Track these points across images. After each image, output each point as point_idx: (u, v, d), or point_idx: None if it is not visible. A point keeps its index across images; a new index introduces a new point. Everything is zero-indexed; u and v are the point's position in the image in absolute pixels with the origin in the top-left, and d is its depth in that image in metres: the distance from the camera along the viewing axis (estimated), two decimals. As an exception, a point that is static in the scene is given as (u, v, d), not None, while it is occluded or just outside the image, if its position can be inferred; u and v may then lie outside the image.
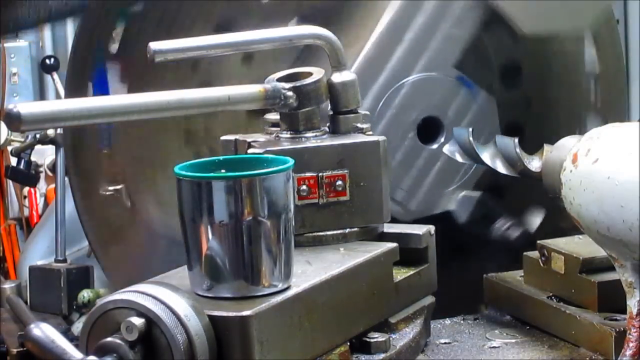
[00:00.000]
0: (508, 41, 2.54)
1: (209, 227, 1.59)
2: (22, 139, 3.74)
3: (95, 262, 2.64)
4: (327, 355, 1.70)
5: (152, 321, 1.50)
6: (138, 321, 1.49)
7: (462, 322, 2.17)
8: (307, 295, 1.66)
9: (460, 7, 2.35)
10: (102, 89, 2.43)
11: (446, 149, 2.21)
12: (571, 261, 2.03)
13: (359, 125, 2.00)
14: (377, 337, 1.79)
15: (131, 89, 2.42)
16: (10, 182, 4.37)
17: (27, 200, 4.42)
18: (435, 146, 2.41)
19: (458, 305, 2.15)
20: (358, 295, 1.79)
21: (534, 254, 2.15)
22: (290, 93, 1.93)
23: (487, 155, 2.10)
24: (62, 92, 3.79)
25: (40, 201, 4.35)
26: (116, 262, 2.55)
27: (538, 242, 2.14)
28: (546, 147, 1.97)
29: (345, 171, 1.93)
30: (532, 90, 2.62)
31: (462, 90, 2.40)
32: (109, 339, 1.50)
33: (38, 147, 3.64)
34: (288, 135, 1.97)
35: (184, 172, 1.61)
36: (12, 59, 5.27)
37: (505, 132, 2.38)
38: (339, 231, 1.93)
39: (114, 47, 3.75)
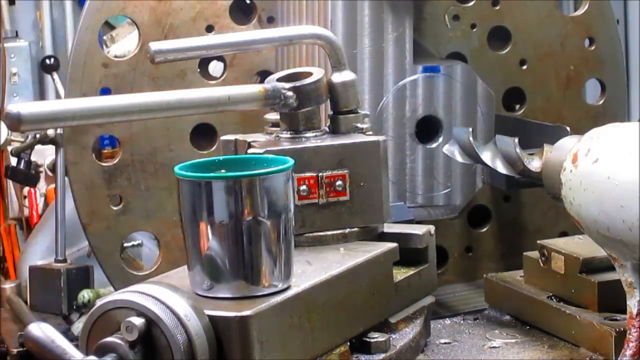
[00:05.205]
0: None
1: (209, 227, 1.59)
2: (22, 139, 3.74)
3: (95, 262, 2.63)
4: (327, 355, 1.70)
5: (152, 321, 1.50)
6: (138, 321, 1.49)
7: (462, 322, 2.18)
8: (307, 295, 1.66)
9: None
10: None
11: (446, 149, 2.21)
12: (571, 261, 2.03)
13: (359, 125, 2.00)
14: (377, 337, 1.79)
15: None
16: (10, 182, 4.37)
17: (27, 200, 4.42)
18: (434, 145, 2.41)
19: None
20: (358, 295, 1.79)
21: (534, 254, 2.15)
22: (290, 93, 1.93)
23: (487, 155, 2.10)
24: (62, 92, 3.79)
25: (40, 201, 4.35)
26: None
27: (538, 242, 2.14)
28: (546, 147, 1.97)
29: (345, 171, 1.93)
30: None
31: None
32: (109, 339, 1.50)
33: (38, 147, 3.63)
34: (288, 135, 1.97)
35: (184, 172, 1.61)
36: (12, 59, 5.27)
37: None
38: (339, 231, 1.93)
39: (114, 47, 3.77)
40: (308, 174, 1.91)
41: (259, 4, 2.50)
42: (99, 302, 1.56)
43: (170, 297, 1.53)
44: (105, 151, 2.98)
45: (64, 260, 3.24)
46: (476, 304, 2.35)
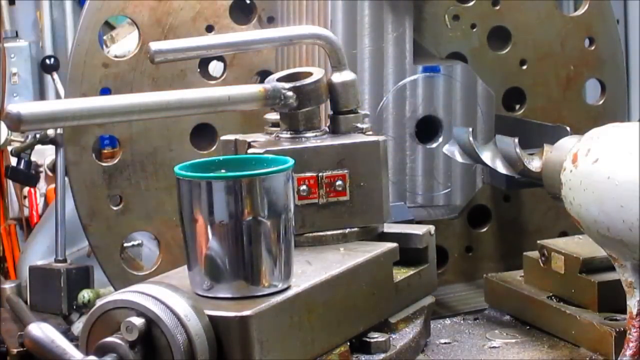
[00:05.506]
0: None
1: (209, 227, 1.59)
2: (22, 139, 3.74)
3: (95, 262, 2.63)
4: (327, 355, 1.70)
5: (152, 321, 1.50)
6: (138, 321, 1.49)
7: (462, 322, 2.18)
8: (307, 295, 1.66)
9: None
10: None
11: (446, 149, 2.21)
12: (571, 261, 2.03)
13: (359, 125, 2.00)
14: (377, 337, 1.79)
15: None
16: (10, 182, 4.37)
17: (27, 200, 4.42)
18: (434, 145, 2.41)
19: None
20: (358, 295, 1.79)
21: (534, 254, 2.15)
22: (290, 93, 1.93)
23: (487, 155, 2.10)
24: (62, 92, 3.79)
25: (40, 201, 4.35)
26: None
27: (538, 242, 2.14)
28: (546, 147, 1.97)
29: (345, 171, 1.93)
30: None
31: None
32: (109, 339, 1.50)
33: (38, 147, 3.64)
34: (288, 135, 1.97)
35: (183, 172, 1.61)
36: (12, 59, 5.27)
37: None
38: (339, 231, 1.93)
39: (114, 47, 3.77)
40: (308, 174, 1.91)
41: (259, 4, 2.50)
42: (99, 302, 1.56)
43: (170, 297, 1.53)
44: (105, 151, 2.98)
45: (64, 260, 3.24)
46: (476, 304, 2.35)
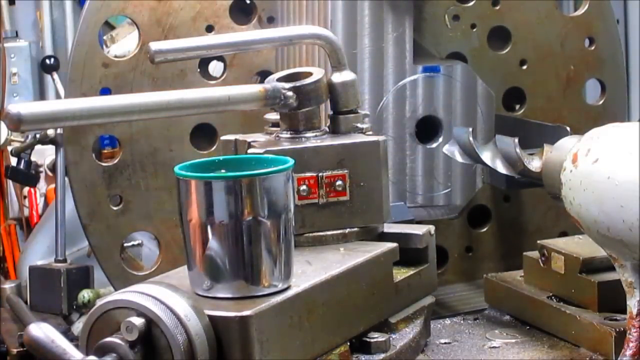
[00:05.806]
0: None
1: (208, 227, 1.59)
2: (22, 139, 3.74)
3: (95, 262, 2.63)
4: (327, 355, 1.70)
5: (152, 321, 1.50)
6: (138, 321, 1.49)
7: (462, 322, 2.18)
8: (307, 295, 1.66)
9: None
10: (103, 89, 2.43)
11: (446, 149, 2.21)
12: (571, 261, 2.03)
13: (359, 125, 2.00)
14: (377, 337, 1.79)
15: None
16: (10, 182, 4.37)
17: (27, 200, 4.42)
18: (434, 145, 2.41)
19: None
20: (358, 295, 1.79)
21: (534, 254, 2.15)
22: (290, 93, 1.93)
23: (487, 155, 2.09)
24: (62, 92, 3.79)
25: (40, 201, 4.35)
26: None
27: (538, 242, 2.14)
28: (546, 147, 1.97)
29: (345, 171, 1.93)
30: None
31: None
32: (109, 339, 1.50)
33: (38, 147, 3.63)
34: (288, 135, 1.97)
35: (183, 172, 1.61)
36: (12, 59, 5.27)
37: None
38: (339, 231, 1.93)
39: (114, 47, 3.76)
40: (308, 174, 1.91)
41: (259, 4, 2.50)
42: (99, 302, 1.56)
43: (170, 297, 1.53)
44: (105, 151, 2.98)
45: (64, 260, 3.24)
46: (476, 304, 2.35)
